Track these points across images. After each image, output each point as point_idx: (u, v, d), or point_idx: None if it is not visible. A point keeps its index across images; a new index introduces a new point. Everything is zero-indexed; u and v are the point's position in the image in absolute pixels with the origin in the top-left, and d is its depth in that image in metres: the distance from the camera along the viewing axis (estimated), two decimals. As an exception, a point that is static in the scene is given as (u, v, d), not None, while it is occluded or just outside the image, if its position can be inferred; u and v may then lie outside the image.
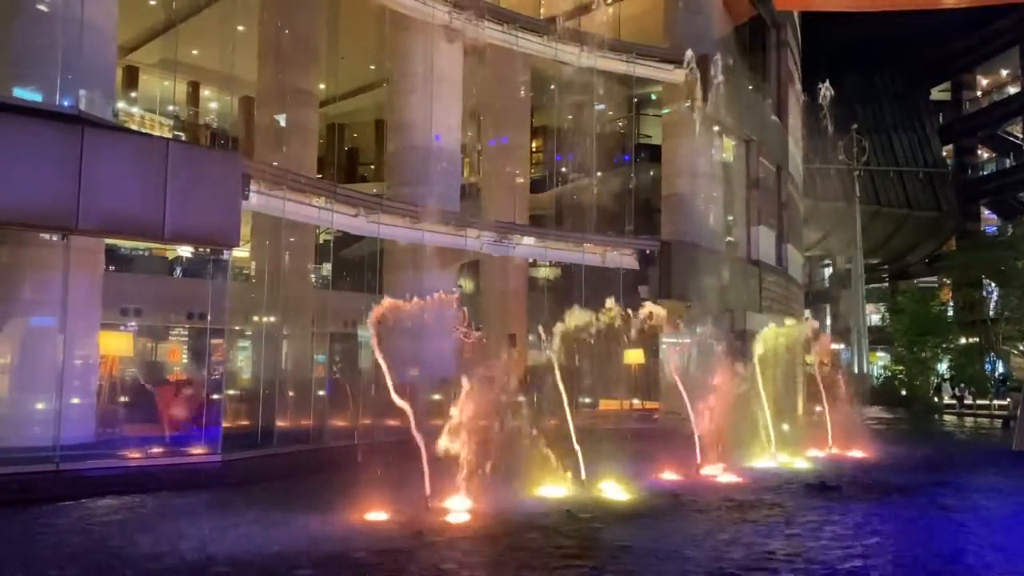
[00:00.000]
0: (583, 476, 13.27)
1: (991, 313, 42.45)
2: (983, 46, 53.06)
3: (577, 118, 36.67)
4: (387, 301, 11.33)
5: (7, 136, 12.50)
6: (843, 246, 50.20)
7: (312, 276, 26.24)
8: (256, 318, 22.39)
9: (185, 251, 28.18)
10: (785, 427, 18.66)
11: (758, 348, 18.08)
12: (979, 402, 38.73)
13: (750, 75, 33.24)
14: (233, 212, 14.59)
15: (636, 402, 28.61)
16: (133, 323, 24.61)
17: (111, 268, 21.70)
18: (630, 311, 14.07)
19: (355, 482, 11.31)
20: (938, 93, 59.06)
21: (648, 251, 24.61)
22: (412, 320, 11.66)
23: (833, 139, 46.31)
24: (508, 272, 29.26)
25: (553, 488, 12.72)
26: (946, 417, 37.05)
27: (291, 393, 20.35)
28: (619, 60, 26.22)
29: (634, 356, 27.06)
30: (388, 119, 24.28)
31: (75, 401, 14.74)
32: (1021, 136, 56.46)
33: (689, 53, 26.28)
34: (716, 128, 28.55)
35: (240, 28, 26.50)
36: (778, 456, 17.67)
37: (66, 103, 14.01)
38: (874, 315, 56.40)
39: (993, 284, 43.21)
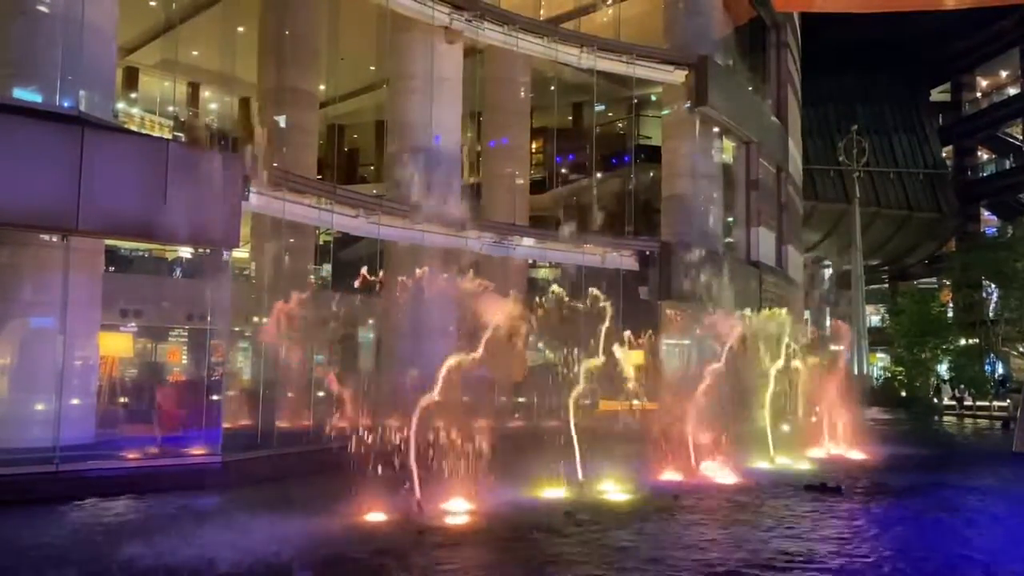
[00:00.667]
0: (581, 476, 13.28)
1: (991, 314, 42.43)
2: (983, 47, 53.08)
3: (577, 119, 36.70)
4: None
5: (7, 137, 12.51)
6: (843, 247, 50.22)
7: (312, 277, 26.23)
8: (256, 319, 22.37)
9: (185, 252, 28.17)
10: (785, 428, 18.64)
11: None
12: (979, 403, 38.72)
13: (750, 76, 33.27)
14: (233, 213, 14.59)
15: (636, 403, 28.56)
16: (133, 324, 24.60)
17: (111, 269, 21.69)
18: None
19: (354, 484, 11.30)
20: (938, 94, 59.08)
21: (648, 252, 24.61)
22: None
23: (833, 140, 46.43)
24: (508, 273, 29.24)
25: (552, 489, 12.73)
26: (946, 418, 37.04)
27: (290, 394, 20.35)
28: (619, 61, 26.23)
29: (634, 357, 27.00)
30: (388, 120, 24.29)
31: (75, 402, 14.73)
32: (1021, 137, 56.47)
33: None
34: (716, 129, 28.58)
35: (240, 29, 26.56)
36: (777, 458, 17.68)
37: (66, 104, 14.02)
38: (874, 316, 56.38)
39: (993, 285, 43.19)
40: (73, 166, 12.68)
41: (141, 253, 28.94)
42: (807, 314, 40.59)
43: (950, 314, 45.87)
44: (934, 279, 57.15)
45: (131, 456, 13.65)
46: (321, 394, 20.79)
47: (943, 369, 44.57)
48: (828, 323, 45.63)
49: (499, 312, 11.56)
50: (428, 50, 22.10)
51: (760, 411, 18.32)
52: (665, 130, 30.08)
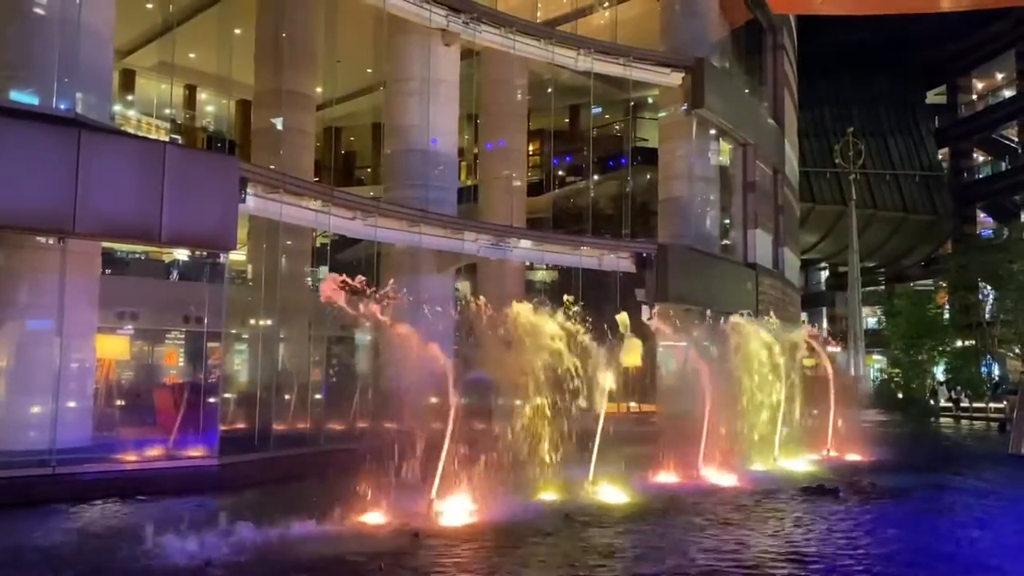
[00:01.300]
0: (582, 478, 13.28)
1: (987, 316, 42.50)
2: (978, 50, 53.19)
3: (574, 121, 36.72)
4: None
5: (3, 139, 12.48)
6: (839, 249, 50.29)
7: (309, 279, 26.23)
8: (253, 321, 22.37)
9: (182, 254, 28.16)
10: (784, 430, 18.66)
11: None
12: (975, 405, 38.77)
13: (747, 78, 33.33)
14: (230, 215, 14.58)
15: (633, 405, 28.59)
16: (129, 326, 24.58)
17: (107, 271, 21.66)
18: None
19: (354, 486, 11.29)
20: (934, 96, 59.20)
21: (645, 254, 24.62)
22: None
23: (829, 142, 46.50)
24: (505, 275, 29.26)
25: (552, 492, 12.72)
26: (942, 420, 37.10)
27: (287, 396, 20.33)
28: (615, 64, 26.26)
29: (631, 359, 27.00)
30: (385, 122, 24.29)
31: (71, 404, 14.71)
32: (1016, 139, 56.58)
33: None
34: (713, 131, 28.63)
35: (237, 31, 26.57)
36: (778, 459, 17.70)
37: (63, 106, 14.01)
38: (870, 318, 56.44)
39: (989, 287, 43.26)
40: (70, 168, 12.67)
41: (138, 255, 28.94)
42: (804, 316, 40.65)
43: (946, 316, 45.92)
44: (930, 281, 57.21)
45: (128, 459, 13.64)
46: (318, 396, 20.81)
47: (939, 371, 44.62)
48: (825, 325, 45.76)
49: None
50: (425, 52, 22.12)
51: (761, 414, 18.32)
52: (662, 132, 30.12)
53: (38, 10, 14.59)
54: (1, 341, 14.55)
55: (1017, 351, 42.03)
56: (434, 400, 11.30)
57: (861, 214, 48.46)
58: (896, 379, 44.18)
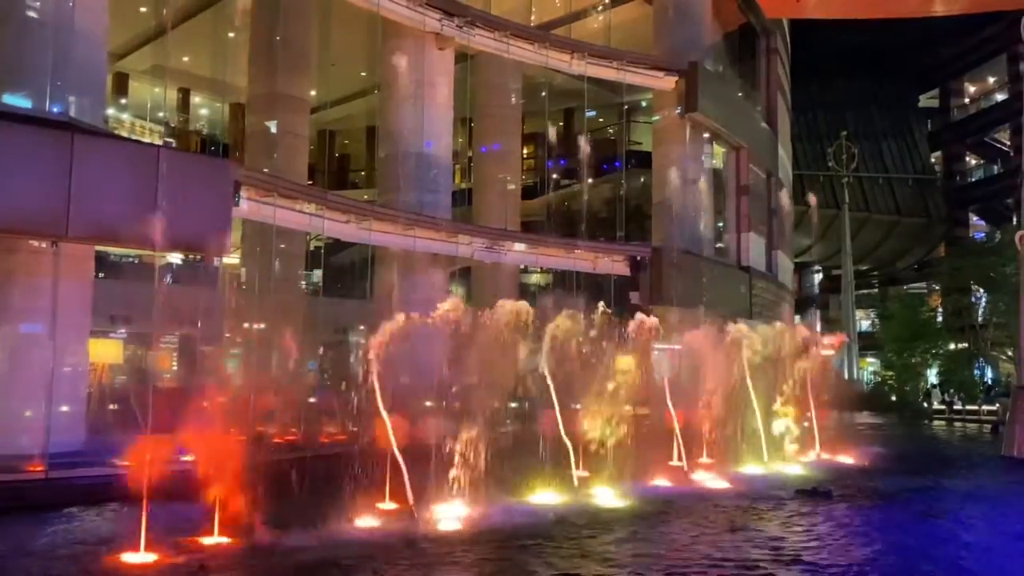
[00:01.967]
0: (574, 481, 13.29)
1: (980, 319, 42.64)
2: (971, 53, 53.42)
3: (568, 125, 36.75)
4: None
5: (-4, 143, 12.48)
6: (833, 252, 50.43)
7: (303, 283, 26.21)
8: (246, 325, 22.33)
9: (175, 258, 28.10)
10: (776, 432, 18.70)
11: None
12: (968, 407, 38.88)
13: (740, 82, 33.43)
14: (223, 219, 14.59)
15: (627, 408, 28.58)
16: (123, 330, 24.51)
17: (101, 275, 21.61)
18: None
19: (344, 489, 11.28)
20: (927, 100, 59.42)
21: (639, 257, 24.67)
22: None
23: (823, 146, 46.64)
24: (499, 278, 29.30)
25: (544, 494, 12.72)
26: (936, 422, 37.18)
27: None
28: (610, 67, 26.34)
29: (624, 363, 27.04)
30: (379, 126, 24.31)
31: (64, 408, 14.68)
32: (1009, 143, 56.80)
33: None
34: (706, 135, 28.71)
35: (231, 35, 26.56)
36: (769, 462, 17.72)
37: (56, 110, 14.00)
38: (864, 321, 56.58)
39: (982, 290, 43.42)
40: (63, 172, 12.66)
41: (131, 259, 28.86)
42: (797, 319, 40.74)
43: (939, 319, 46.06)
44: (924, 284, 57.41)
45: (120, 463, 13.58)
46: (312, 400, 20.78)
47: (933, 374, 44.75)
48: (819, 328, 45.80)
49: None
50: (419, 56, 22.15)
51: (753, 416, 18.36)
52: (656, 136, 30.20)
53: (31, 13, 14.59)
54: (-6, 345, 14.52)
55: (1010, 354, 42.17)
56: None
57: (854, 217, 48.63)
58: (889, 382, 44.30)
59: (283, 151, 23.93)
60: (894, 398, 41.96)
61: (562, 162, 40.34)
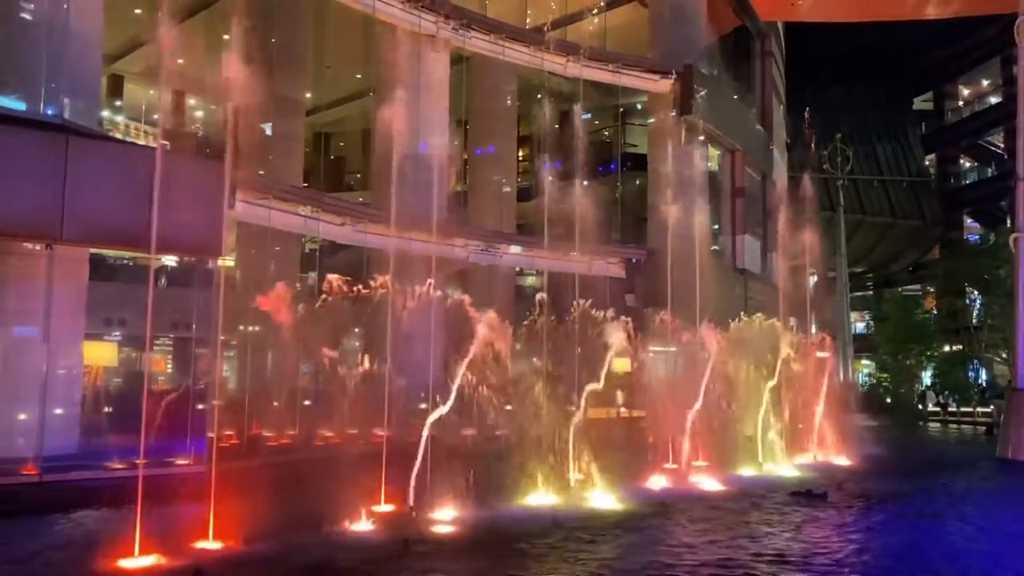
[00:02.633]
0: (570, 483, 13.28)
1: (974, 321, 42.76)
2: (965, 56, 53.55)
3: (564, 127, 36.68)
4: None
5: (-9, 145, 12.43)
6: (827, 255, 50.47)
7: (298, 285, 26.14)
8: (241, 327, 22.25)
9: (170, 260, 28.01)
10: (771, 434, 18.71)
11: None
12: (963, 409, 38.95)
13: (735, 85, 33.49)
14: (218, 221, 14.54)
15: (623, 410, 28.60)
16: (117, 333, 24.42)
17: (95, 278, 21.52)
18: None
19: (339, 492, 11.26)
20: (921, 103, 59.58)
21: (634, 260, 24.68)
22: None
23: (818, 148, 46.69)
24: (495, 281, 29.27)
25: (540, 496, 12.72)
26: (930, 424, 37.26)
27: (275, 403, 20.23)
28: (605, 70, 26.37)
29: (621, 364, 27.06)
30: (375, 128, 24.28)
31: (59, 411, 14.62)
32: (1003, 145, 56.96)
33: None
34: (701, 138, 28.75)
35: (226, 37, 26.46)
36: (764, 464, 17.73)
37: (50, 112, 13.96)
38: (859, 323, 56.66)
39: (976, 292, 43.54)
40: (57, 174, 12.61)
41: (126, 261, 28.75)
42: (792, 321, 40.72)
43: (934, 321, 46.17)
44: (918, 286, 57.52)
45: (115, 466, 13.54)
46: (308, 403, 20.72)
47: (927, 376, 44.85)
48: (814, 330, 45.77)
49: None
50: (415, 58, 22.14)
51: (749, 418, 18.38)
52: (651, 138, 30.23)
53: (26, 15, 14.55)
54: (-12, 348, 14.47)
55: (1004, 356, 42.27)
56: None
57: (849, 220, 48.70)
58: (884, 384, 44.37)
59: (278, 154, 23.87)
60: (889, 400, 42.02)
61: (557, 164, 40.33)
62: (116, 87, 36.34)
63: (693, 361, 17.56)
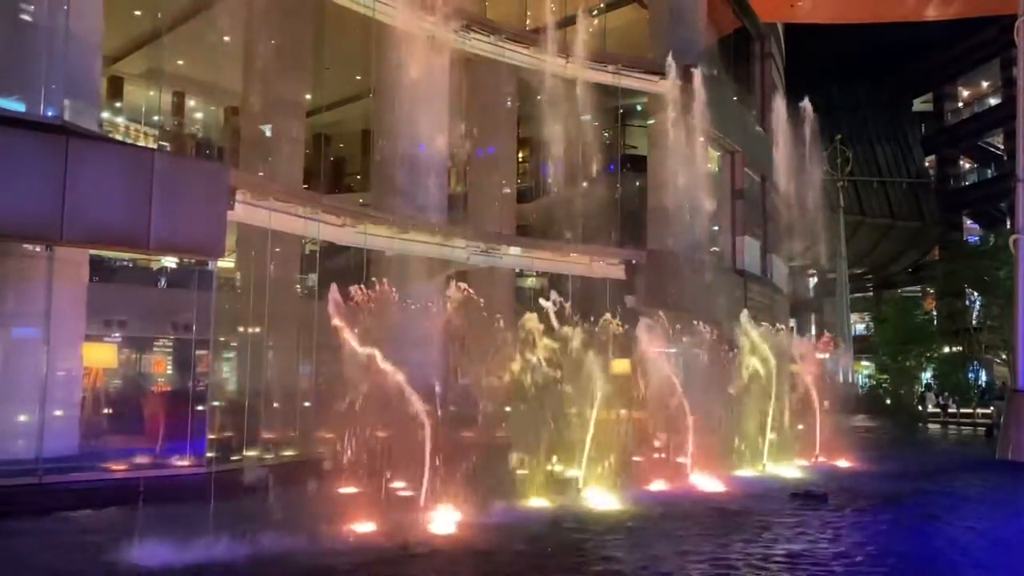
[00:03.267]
0: (572, 485, 13.30)
1: (974, 322, 42.76)
2: (964, 58, 53.65)
3: (564, 129, 36.68)
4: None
5: (-10, 146, 12.42)
6: (827, 256, 50.55)
7: (298, 286, 26.12)
8: (241, 329, 22.25)
9: (170, 262, 28.02)
10: (772, 436, 18.71)
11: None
12: (963, 411, 38.95)
13: (735, 86, 33.49)
14: (218, 223, 14.53)
15: (623, 412, 28.55)
16: (117, 334, 24.41)
17: (95, 279, 21.52)
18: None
19: (339, 493, 11.26)
20: (920, 104, 59.65)
21: (635, 261, 24.69)
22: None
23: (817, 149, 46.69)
24: (495, 282, 29.25)
25: (542, 498, 12.72)
26: (930, 426, 37.26)
27: (276, 404, 20.22)
28: (605, 71, 26.37)
29: (620, 366, 27.05)
30: (374, 129, 24.29)
31: (59, 413, 14.60)
32: (1002, 147, 57.02)
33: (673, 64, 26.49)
34: (701, 139, 28.74)
35: (226, 39, 26.50)
36: (766, 465, 17.74)
37: (50, 113, 13.94)
38: (859, 324, 56.69)
39: (976, 293, 43.55)
40: (57, 176, 12.60)
41: (126, 263, 28.74)
42: (792, 322, 40.74)
43: (934, 322, 46.18)
44: (918, 287, 57.60)
45: (115, 467, 13.55)
46: (307, 404, 20.71)
47: (927, 377, 44.85)
48: (813, 331, 45.83)
49: None
50: (414, 60, 22.13)
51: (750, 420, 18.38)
52: (651, 140, 30.22)
53: (25, 16, 14.53)
54: (-12, 349, 14.46)
55: (1004, 357, 42.29)
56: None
57: (849, 221, 48.76)
58: (884, 385, 44.37)
59: (278, 155, 23.85)
60: (889, 401, 42.02)
61: (558, 166, 40.29)
62: (116, 88, 36.32)
63: (694, 362, 17.54)
